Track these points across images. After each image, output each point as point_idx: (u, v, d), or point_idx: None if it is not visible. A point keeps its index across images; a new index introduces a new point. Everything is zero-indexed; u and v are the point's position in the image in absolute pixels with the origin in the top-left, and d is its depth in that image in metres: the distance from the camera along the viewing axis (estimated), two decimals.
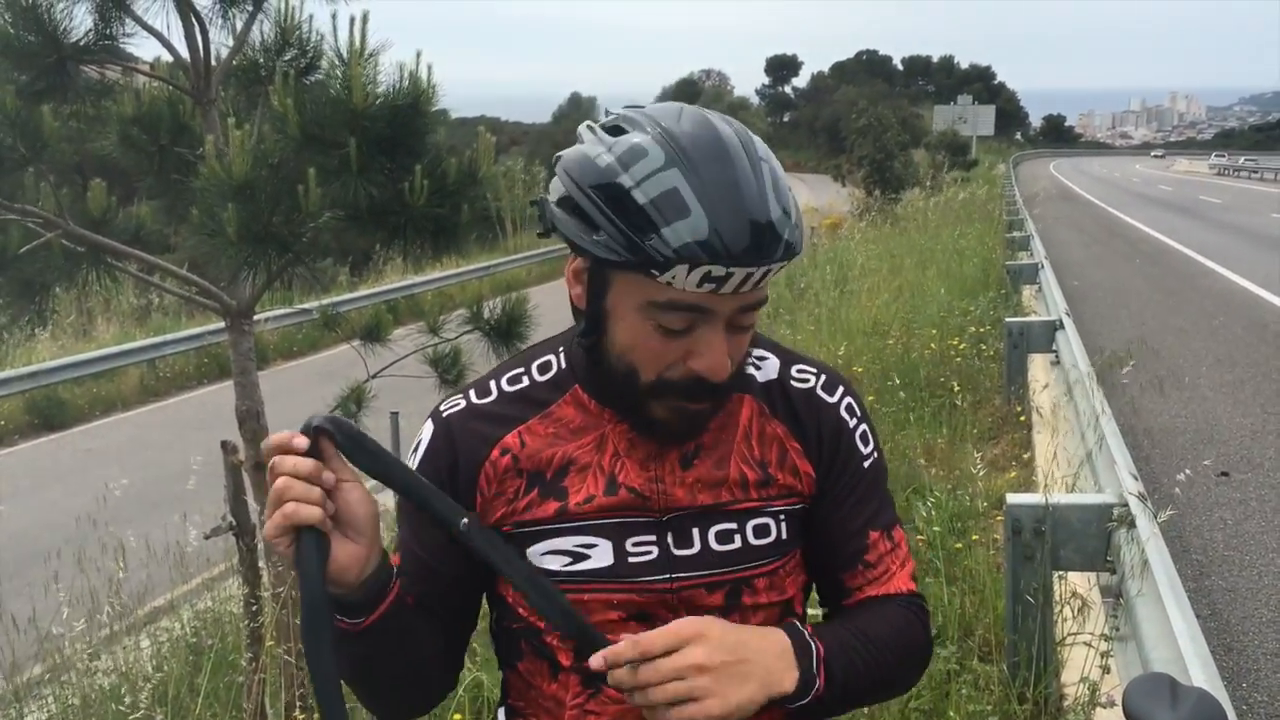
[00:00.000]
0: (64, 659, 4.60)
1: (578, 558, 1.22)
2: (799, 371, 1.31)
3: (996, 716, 3.39)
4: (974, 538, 4.82)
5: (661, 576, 1.22)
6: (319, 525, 1.07)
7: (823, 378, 1.31)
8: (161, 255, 3.66)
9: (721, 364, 1.13)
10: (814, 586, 1.38)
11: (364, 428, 4.21)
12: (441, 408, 1.30)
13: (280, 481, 1.06)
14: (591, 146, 1.11)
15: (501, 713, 1.36)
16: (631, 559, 1.22)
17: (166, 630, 4.97)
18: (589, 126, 1.16)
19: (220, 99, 3.46)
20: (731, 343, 1.15)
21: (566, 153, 1.15)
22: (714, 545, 1.23)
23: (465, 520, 1.15)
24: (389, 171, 2.97)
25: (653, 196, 1.05)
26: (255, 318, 3.54)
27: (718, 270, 1.05)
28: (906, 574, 1.32)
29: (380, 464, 1.12)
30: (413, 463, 1.26)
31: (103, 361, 12.82)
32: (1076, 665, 3.50)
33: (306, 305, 12.06)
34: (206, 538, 3.70)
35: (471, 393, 1.30)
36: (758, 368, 1.30)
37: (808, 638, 1.18)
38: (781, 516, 1.26)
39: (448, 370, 3.78)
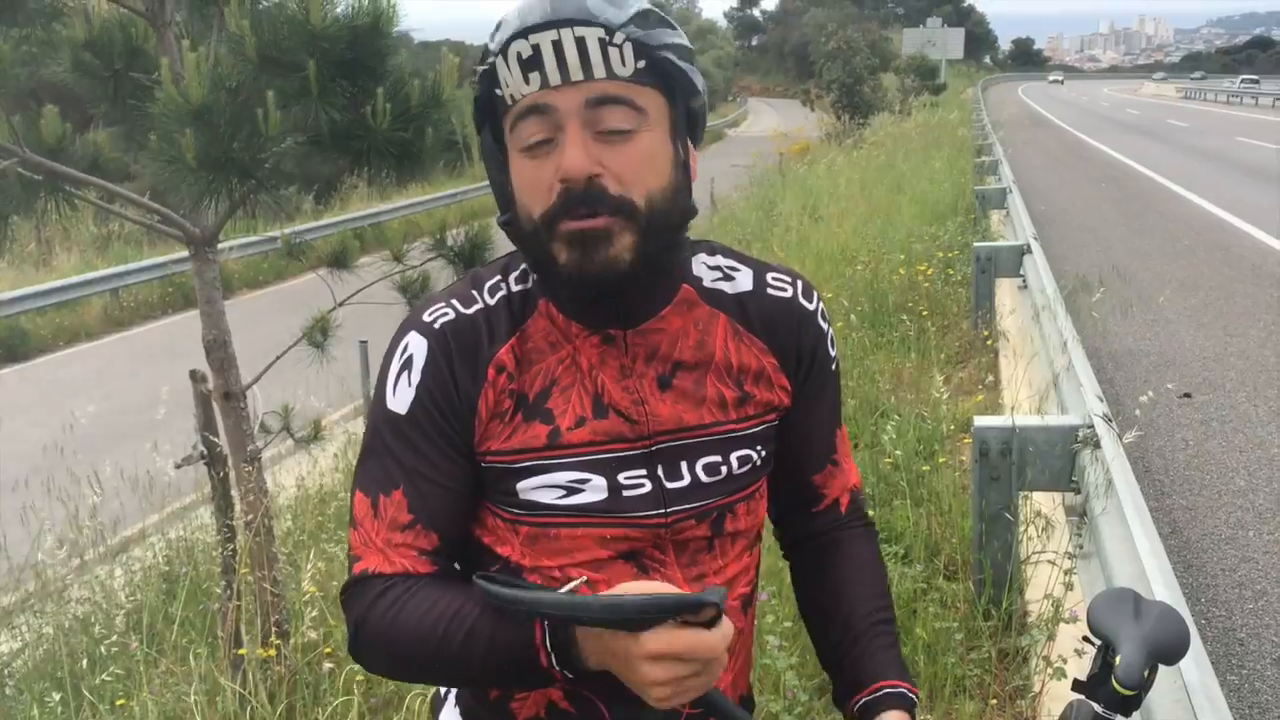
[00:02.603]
0: (41, 585, 4.60)
1: (571, 491, 1.18)
2: (775, 279, 1.30)
3: (962, 632, 3.46)
4: (941, 460, 4.88)
5: (656, 511, 1.20)
6: None
7: (799, 284, 1.31)
8: (121, 183, 3.58)
9: (575, 160, 1.09)
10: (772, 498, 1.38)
11: (331, 357, 4.14)
12: (427, 318, 1.20)
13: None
14: None
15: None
16: (625, 493, 1.19)
17: (139, 559, 4.97)
18: None
19: (175, 22, 3.37)
20: (607, 151, 1.11)
21: None
22: (702, 477, 1.22)
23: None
24: (350, 95, 2.91)
25: (494, 31, 1.15)
26: (219, 246, 3.48)
27: (523, 48, 1.10)
28: (855, 466, 1.42)
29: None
30: (409, 380, 1.18)
31: (65, 291, 12.66)
32: (1040, 583, 3.57)
33: (271, 234, 11.91)
34: (178, 466, 3.68)
35: (456, 302, 1.21)
36: (730, 279, 1.29)
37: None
38: (759, 444, 1.26)
39: (415, 296, 3.75)
